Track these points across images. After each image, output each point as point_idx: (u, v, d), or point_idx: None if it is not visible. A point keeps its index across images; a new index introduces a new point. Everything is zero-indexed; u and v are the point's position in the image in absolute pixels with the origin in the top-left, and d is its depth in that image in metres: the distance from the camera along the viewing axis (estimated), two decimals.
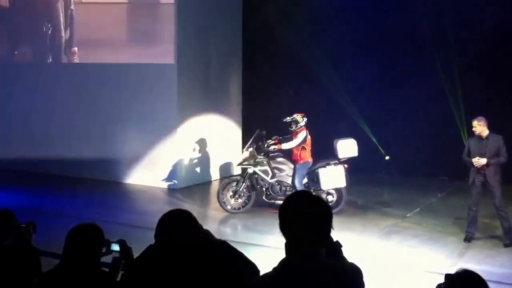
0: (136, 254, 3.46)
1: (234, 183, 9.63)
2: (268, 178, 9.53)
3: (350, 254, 2.80)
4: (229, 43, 12.76)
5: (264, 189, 9.62)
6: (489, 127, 7.71)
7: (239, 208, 9.61)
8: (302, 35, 12.48)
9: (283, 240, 2.45)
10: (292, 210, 2.45)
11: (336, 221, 2.49)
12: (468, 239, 7.90)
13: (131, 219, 8.88)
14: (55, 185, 11.40)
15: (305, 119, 9.44)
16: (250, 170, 9.57)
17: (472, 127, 7.75)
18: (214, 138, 12.29)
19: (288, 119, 9.46)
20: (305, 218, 2.40)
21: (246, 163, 9.68)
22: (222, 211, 9.56)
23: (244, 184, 9.55)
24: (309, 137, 9.43)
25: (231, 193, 9.60)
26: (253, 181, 9.61)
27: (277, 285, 2.40)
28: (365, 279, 2.51)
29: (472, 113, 11.63)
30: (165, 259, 3.00)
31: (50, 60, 12.68)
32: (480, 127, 7.65)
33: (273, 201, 9.53)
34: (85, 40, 12.27)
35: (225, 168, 12.47)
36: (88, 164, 12.13)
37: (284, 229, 2.43)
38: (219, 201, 9.56)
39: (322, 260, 2.41)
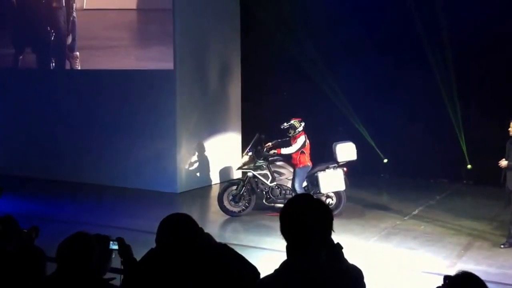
0: (137, 258, 3.50)
1: (234, 187, 9.67)
2: (268, 182, 9.58)
3: (350, 256, 2.83)
4: (228, 48, 12.79)
5: (264, 192, 9.66)
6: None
7: (239, 212, 9.65)
8: (300, 40, 12.52)
9: (283, 243, 2.48)
10: (293, 213, 2.48)
11: (336, 224, 2.52)
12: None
13: (132, 223, 8.90)
14: (56, 191, 11.46)
15: (303, 124, 9.50)
16: (250, 174, 9.62)
17: (509, 127, 7.57)
18: (214, 142, 12.32)
19: (286, 125, 9.52)
20: (306, 220, 2.43)
21: (246, 167, 9.74)
22: (222, 215, 9.60)
23: (244, 188, 9.59)
24: (307, 141, 9.49)
25: (231, 197, 9.64)
26: (253, 185, 9.66)
27: (278, 287, 2.43)
28: (365, 281, 2.55)
29: (471, 116, 11.81)
30: (166, 263, 3.03)
31: (53, 65, 12.79)
32: None
33: (273, 204, 9.56)
34: (86, 46, 12.36)
35: (225, 172, 12.50)
36: (89, 169, 12.18)
37: (285, 232, 2.46)
38: (219, 205, 9.60)
39: (323, 262, 2.44)
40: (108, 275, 3.50)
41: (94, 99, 12.24)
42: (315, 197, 2.62)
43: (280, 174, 9.65)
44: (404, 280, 6.65)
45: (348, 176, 9.59)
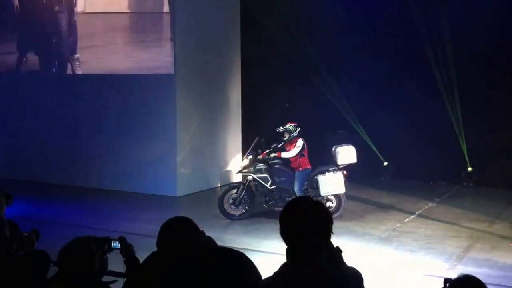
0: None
1: (234, 190, 9.68)
2: (267, 185, 9.58)
3: (349, 258, 2.84)
4: (228, 52, 12.81)
5: (264, 196, 9.66)
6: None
7: (239, 215, 9.65)
8: (300, 43, 12.55)
9: (284, 246, 2.48)
10: (293, 215, 2.48)
11: (336, 226, 2.53)
12: None
13: (133, 227, 8.89)
14: (56, 195, 11.46)
15: (298, 129, 9.52)
16: (250, 177, 9.62)
17: None
18: (213, 145, 12.32)
19: (281, 128, 9.53)
20: (305, 223, 2.43)
21: (246, 170, 9.74)
22: (222, 218, 9.60)
23: (244, 191, 9.59)
24: (305, 144, 9.51)
25: (231, 200, 9.64)
26: (253, 188, 9.67)
27: None
28: (364, 284, 2.55)
29: (471, 118, 11.81)
30: (168, 266, 3.03)
31: (56, 68, 12.84)
32: None
33: (273, 207, 9.56)
34: (87, 49, 12.41)
35: (225, 176, 12.50)
36: (88, 173, 12.18)
37: (285, 235, 2.46)
38: (219, 209, 9.60)
39: (322, 265, 2.44)
40: (110, 278, 3.51)
41: (94, 103, 12.25)
42: (315, 199, 2.63)
43: (280, 177, 9.65)
44: (404, 283, 6.64)
45: (348, 179, 9.60)
